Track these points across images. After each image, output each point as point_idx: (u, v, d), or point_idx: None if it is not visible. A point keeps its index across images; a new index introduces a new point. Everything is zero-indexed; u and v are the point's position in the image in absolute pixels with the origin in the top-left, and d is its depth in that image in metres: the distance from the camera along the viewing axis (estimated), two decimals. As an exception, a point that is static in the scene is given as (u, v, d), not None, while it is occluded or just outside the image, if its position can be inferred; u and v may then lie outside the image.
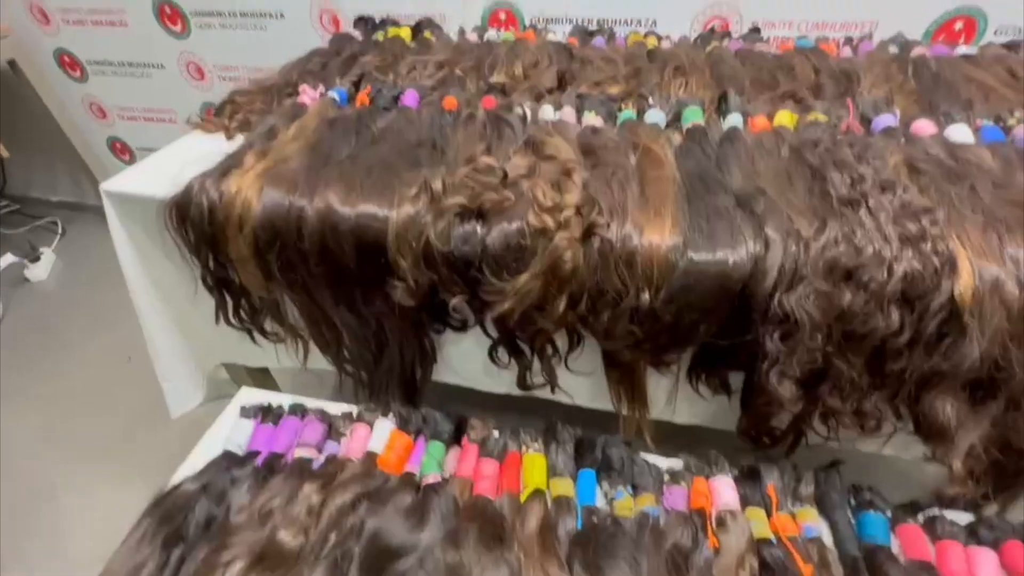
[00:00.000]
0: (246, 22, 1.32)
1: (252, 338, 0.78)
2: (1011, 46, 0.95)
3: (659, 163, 0.62)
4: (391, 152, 0.68)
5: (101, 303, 1.59)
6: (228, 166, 0.66)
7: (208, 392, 0.95)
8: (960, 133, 0.66)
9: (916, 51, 0.94)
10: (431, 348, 0.74)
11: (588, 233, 0.53)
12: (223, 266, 0.67)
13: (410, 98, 0.81)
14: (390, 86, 0.85)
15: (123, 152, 1.76)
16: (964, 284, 0.46)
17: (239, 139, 0.78)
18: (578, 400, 0.74)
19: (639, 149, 0.65)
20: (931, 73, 0.85)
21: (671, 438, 0.69)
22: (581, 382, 0.69)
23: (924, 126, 0.68)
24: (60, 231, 1.90)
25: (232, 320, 0.74)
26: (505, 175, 0.58)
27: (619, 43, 1.06)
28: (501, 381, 0.76)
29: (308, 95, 0.84)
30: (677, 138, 0.72)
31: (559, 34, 1.11)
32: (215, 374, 0.95)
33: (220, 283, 0.70)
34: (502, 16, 1.18)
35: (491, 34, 1.11)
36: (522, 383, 0.69)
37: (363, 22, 1.16)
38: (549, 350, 0.65)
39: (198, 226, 0.64)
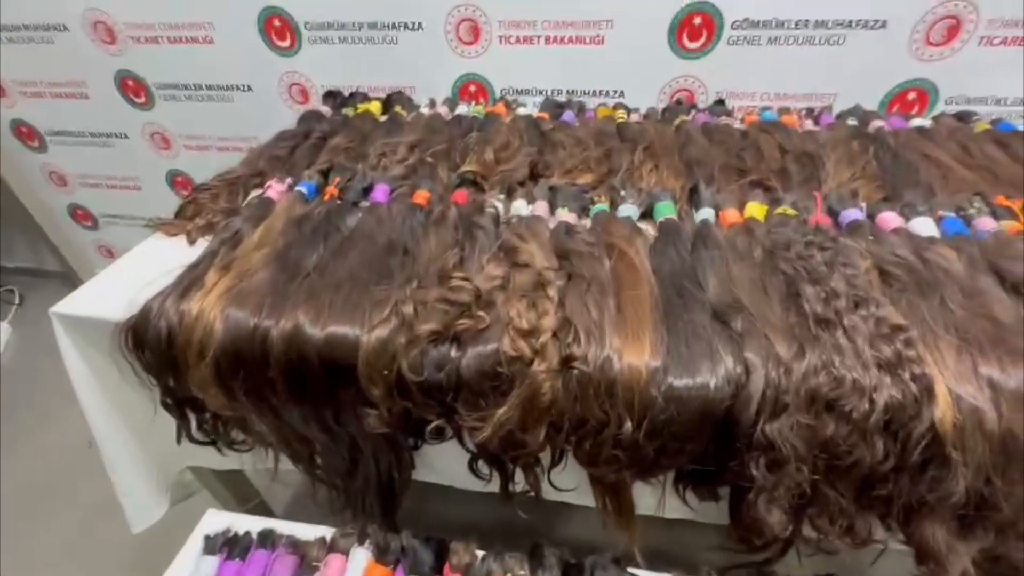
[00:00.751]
0: (212, 94, 1.31)
1: (218, 449, 0.74)
2: (961, 117, 0.99)
3: (635, 273, 0.61)
4: (361, 261, 0.66)
5: (61, 378, 1.51)
6: (188, 284, 0.63)
7: (173, 496, 0.89)
8: (924, 226, 0.68)
9: (874, 124, 0.98)
10: (408, 456, 0.71)
11: (566, 362, 0.52)
12: (184, 387, 0.64)
13: (380, 193, 0.80)
14: (360, 177, 0.84)
15: (85, 218, 1.71)
16: (942, 413, 0.46)
17: (202, 243, 0.75)
18: (565, 499, 0.72)
19: (614, 253, 0.65)
20: (891, 152, 0.87)
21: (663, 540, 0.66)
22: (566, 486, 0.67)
23: (889, 219, 0.69)
24: (17, 300, 1.82)
25: (196, 436, 0.70)
26: (479, 294, 0.57)
27: (589, 116, 1.08)
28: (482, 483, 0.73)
29: (275, 189, 0.82)
30: (651, 232, 0.72)
31: (529, 106, 1.12)
32: (180, 477, 0.90)
33: (181, 403, 0.66)
34: (472, 88, 1.18)
35: (462, 108, 1.11)
36: (505, 493, 0.67)
37: (332, 97, 1.16)
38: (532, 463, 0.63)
39: (156, 351, 0.61)
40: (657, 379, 0.51)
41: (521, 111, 1.11)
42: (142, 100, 1.36)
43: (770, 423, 0.48)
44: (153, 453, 0.81)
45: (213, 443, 0.73)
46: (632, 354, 0.52)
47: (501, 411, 0.51)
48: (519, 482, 0.66)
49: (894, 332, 0.51)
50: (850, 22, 0.98)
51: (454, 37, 1.12)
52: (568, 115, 1.08)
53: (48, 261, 1.84)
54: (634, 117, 1.07)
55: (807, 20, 0.99)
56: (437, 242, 0.68)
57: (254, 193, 0.84)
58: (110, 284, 0.70)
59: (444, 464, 0.75)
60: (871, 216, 0.71)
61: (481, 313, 0.56)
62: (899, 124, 0.98)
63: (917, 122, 0.99)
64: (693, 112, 1.07)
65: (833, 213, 0.72)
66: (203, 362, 0.59)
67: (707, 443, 0.52)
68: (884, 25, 0.98)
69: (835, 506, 0.50)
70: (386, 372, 0.54)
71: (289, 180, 0.85)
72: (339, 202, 0.80)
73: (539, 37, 1.09)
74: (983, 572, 0.50)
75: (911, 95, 1.05)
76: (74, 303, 0.67)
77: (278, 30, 1.16)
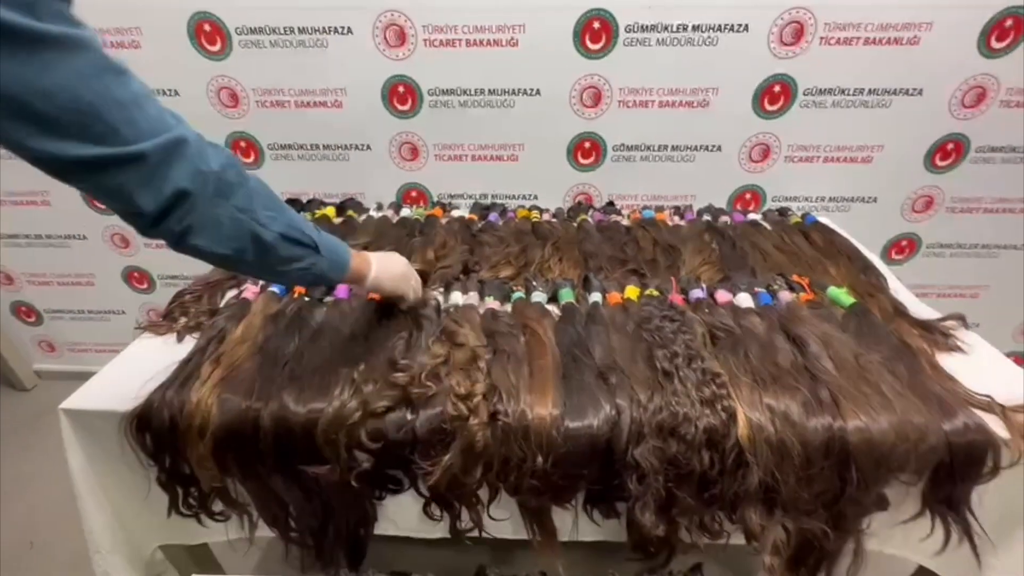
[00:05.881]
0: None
1: (199, 521, 0.84)
2: (782, 212, 1.34)
3: (542, 346, 0.83)
4: (331, 349, 0.84)
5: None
6: (186, 376, 0.78)
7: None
8: (745, 300, 0.96)
9: (722, 219, 1.30)
10: (372, 509, 0.85)
11: (493, 416, 0.71)
12: (180, 466, 0.76)
13: (342, 290, 0.98)
14: (323, 277, 1.02)
15: (28, 315, 1.73)
16: (742, 431, 0.69)
17: (189, 340, 0.89)
18: (503, 535, 0.88)
19: (528, 332, 0.87)
20: (730, 242, 1.18)
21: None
22: (503, 522, 0.83)
23: (723, 295, 0.97)
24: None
25: (183, 509, 0.81)
26: (418, 374, 0.75)
27: (510, 216, 1.34)
28: (435, 528, 0.88)
29: (251, 290, 0.98)
30: (556, 312, 0.95)
31: (462, 207, 1.37)
32: (152, 558, 0.96)
33: (174, 481, 0.78)
34: (413, 194, 1.42)
35: (406, 211, 1.34)
36: (454, 531, 0.82)
37: (291, 204, 1.35)
38: (474, 501, 0.80)
39: (159, 436, 0.74)
40: (557, 424, 0.71)
41: (455, 213, 1.36)
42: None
43: (635, 448, 0.69)
44: (131, 535, 0.89)
45: (196, 515, 0.83)
46: (540, 406, 0.72)
47: (447, 458, 0.69)
48: (465, 521, 0.82)
49: (713, 378, 0.75)
50: (696, 146, 1.33)
51: (397, 155, 1.37)
52: (493, 216, 1.33)
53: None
54: (546, 216, 1.34)
55: (666, 145, 1.33)
56: (393, 331, 0.87)
57: (232, 294, 1.00)
58: (111, 381, 0.82)
59: (401, 518, 0.89)
60: (711, 293, 0.99)
61: (429, 384, 0.75)
62: (739, 219, 1.31)
63: (752, 216, 1.33)
64: (591, 211, 1.36)
65: (685, 292, 0.99)
66: (202, 442, 0.73)
67: (597, 468, 0.72)
68: (720, 148, 1.33)
69: (685, 504, 0.71)
70: (354, 436, 0.70)
71: (261, 282, 1.02)
72: (307, 299, 0.97)
73: (466, 156, 1.36)
74: (791, 544, 0.72)
75: (748, 195, 1.40)
76: (80, 399, 0.78)
77: (243, 151, 1.36)
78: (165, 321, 0.93)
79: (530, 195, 1.42)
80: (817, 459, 0.69)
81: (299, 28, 1.20)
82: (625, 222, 1.30)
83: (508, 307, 0.97)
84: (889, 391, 0.74)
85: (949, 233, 1.43)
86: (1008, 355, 1.50)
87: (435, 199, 1.43)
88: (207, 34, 1.22)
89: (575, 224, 1.28)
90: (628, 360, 0.80)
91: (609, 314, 0.92)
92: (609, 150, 1.34)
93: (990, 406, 0.74)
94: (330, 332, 0.88)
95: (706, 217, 1.32)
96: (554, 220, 1.32)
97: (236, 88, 1.28)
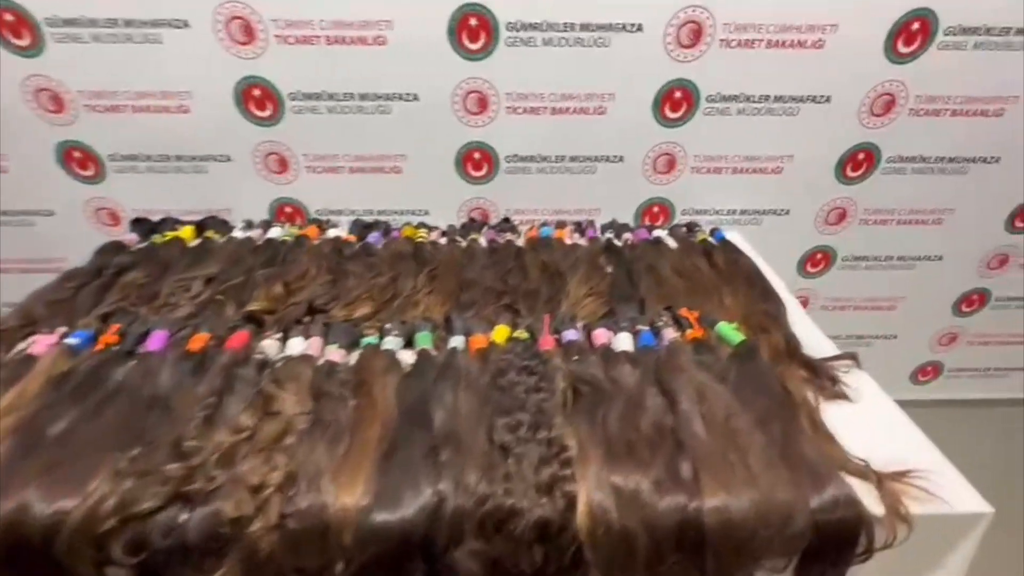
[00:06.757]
0: (9, 219, 1.26)
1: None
2: (690, 227, 1.24)
3: (373, 411, 0.70)
4: (116, 422, 0.69)
5: None
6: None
7: None
8: (624, 341, 0.85)
9: (625, 236, 1.20)
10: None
11: (283, 517, 0.58)
12: None
13: (156, 340, 0.83)
14: (141, 322, 0.87)
15: None
16: (581, 521, 0.59)
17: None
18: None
19: (362, 392, 0.74)
20: (625, 266, 1.08)
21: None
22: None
23: (600, 335, 0.86)
24: None
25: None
26: (211, 460, 0.62)
27: (395, 236, 1.20)
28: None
29: (40, 344, 0.82)
30: (410, 360, 0.82)
31: (343, 225, 1.22)
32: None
33: None
34: (288, 210, 1.27)
35: (276, 231, 1.18)
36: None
37: (139, 224, 1.17)
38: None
39: None
40: (363, 517, 0.59)
41: (332, 232, 1.21)
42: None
43: (453, 550, 0.58)
44: None
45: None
46: (346, 495, 0.60)
47: (219, 573, 0.56)
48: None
49: (558, 453, 0.64)
50: (596, 157, 1.22)
51: (263, 167, 1.21)
52: (374, 236, 1.19)
53: None
54: (434, 235, 1.21)
55: (564, 155, 1.21)
56: (196, 396, 0.72)
57: (18, 348, 0.83)
58: None
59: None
60: (589, 332, 0.88)
61: (216, 473, 0.62)
62: (643, 235, 1.21)
63: (658, 232, 1.23)
64: (485, 229, 1.23)
65: (558, 332, 0.88)
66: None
67: (419, 572, 0.60)
68: (622, 159, 1.22)
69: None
70: (94, 551, 0.56)
71: (63, 329, 0.85)
72: (113, 352, 0.81)
73: (343, 168, 1.21)
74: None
75: (656, 208, 1.30)
76: None
77: (79, 161, 1.17)
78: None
79: (420, 211, 1.29)
80: (667, 550, 0.59)
81: (124, 20, 1.01)
82: (520, 241, 1.18)
83: (356, 355, 0.84)
84: (756, 461, 0.64)
85: (864, 245, 1.38)
86: (925, 365, 1.43)
87: (312, 216, 1.27)
88: (9, 25, 1.02)
89: (464, 244, 1.16)
90: (471, 428, 0.69)
91: (466, 364, 0.80)
92: (502, 161, 1.21)
93: (866, 473, 0.66)
94: (123, 398, 0.73)
95: (608, 234, 1.21)
96: (442, 240, 1.20)
97: (57, 89, 1.08)
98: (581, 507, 0.60)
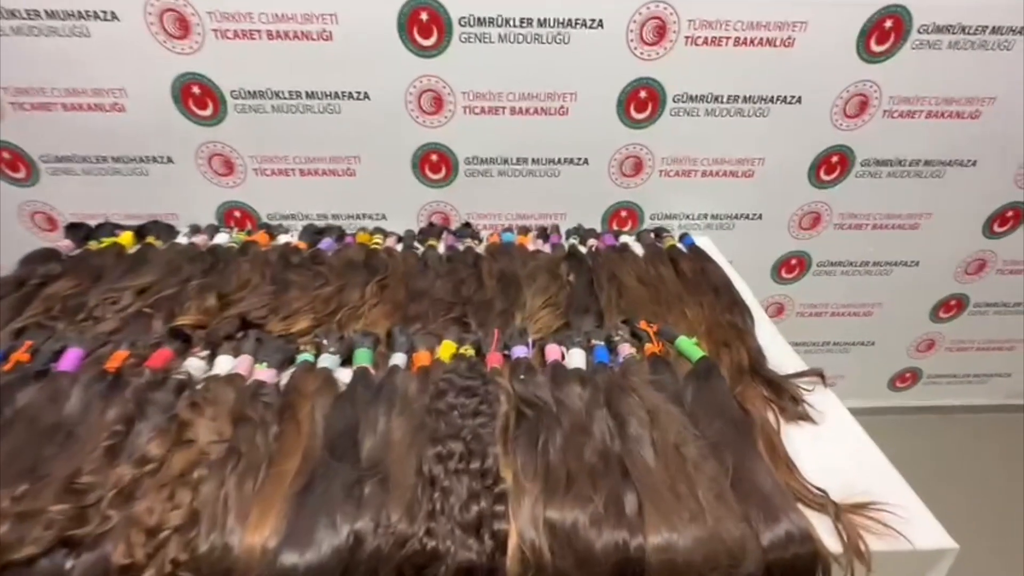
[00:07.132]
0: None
1: None
2: (658, 233, 1.19)
3: (295, 440, 0.65)
4: (5, 454, 0.62)
5: None
6: None
7: None
8: (576, 358, 0.80)
9: (591, 242, 1.15)
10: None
11: (175, 565, 0.52)
12: None
13: (70, 360, 0.76)
14: (56, 338, 0.80)
15: None
16: (511, 563, 0.53)
17: None
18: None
19: (287, 416, 0.68)
20: (587, 275, 1.02)
21: None
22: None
23: (552, 352, 0.81)
24: None
25: None
26: (105, 499, 0.56)
27: (348, 242, 1.14)
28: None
29: (-58, 365, 0.75)
30: (345, 379, 0.76)
31: (295, 230, 1.16)
32: None
33: None
34: (237, 214, 1.20)
35: (222, 236, 1.12)
36: None
37: (75, 229, 1.10)
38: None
39: None
40: (269, 559, 0.53)
41: (282, 238, 1.15)
42: None
43: (368, 598, 0.52)
44: None
45: None
46: (252, 535, 0.54)
47: (101, 628, 0.50)
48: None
49: (491, 486, 0.59)
50: (559, 159, 1.16)
51: (208, 169, 1.14)
52: (326, 242, 1.13)
53: None
54: (390, 241, 1.15)
55: (526, 158, 1.16)
56: (103, 423, 0.66)
57: (-81, 368, 0.76)
58: None
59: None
60: (542, 348, 0.83)
61: (110, 512, 0.56)
62: (610, 241, 1.16)
63: (625, 238, 1.18)
64: (444, 234, 1.18)
65: (507, 348, 0.82)
66: None
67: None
68: (586, 162, 1.17)
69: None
70: None
71: (-31, 349, 0.78)
72: (21, 372, 0.75)
73: (293, 170, 1.15)
74: None
75: (624, 213, 1.25)
76: None
77: (8, 162, 1.10)
78: None
79: (378, 215, 1.23)
80: (605, 595, 0.54)
81: (46, 11, 0.94)
82: (480, 248, 1.13)
83: (289, 373, 0.78)
84: (706, 493, 0.59)
85: (839, 251, 1.33)
86: (903, 371, 1.39)
87: (263, 220, 1.21)
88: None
89: (420, 252, 1.10)
90: (401, 457, 0.63)
91: (405, 385, 0.74)
92: (461, 163, 1.15)
93: (824, 505, 0.61)
94: (21, 426, 0.67)
95: (572, 240, 1.16)
96: (398, 247, 1.14)
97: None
98: (511, 548, 0.55)
